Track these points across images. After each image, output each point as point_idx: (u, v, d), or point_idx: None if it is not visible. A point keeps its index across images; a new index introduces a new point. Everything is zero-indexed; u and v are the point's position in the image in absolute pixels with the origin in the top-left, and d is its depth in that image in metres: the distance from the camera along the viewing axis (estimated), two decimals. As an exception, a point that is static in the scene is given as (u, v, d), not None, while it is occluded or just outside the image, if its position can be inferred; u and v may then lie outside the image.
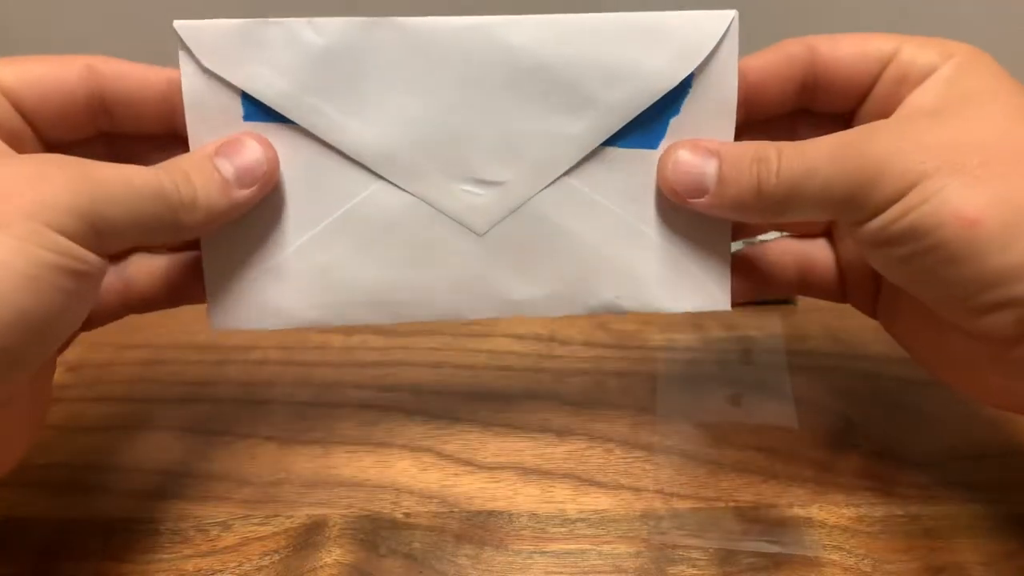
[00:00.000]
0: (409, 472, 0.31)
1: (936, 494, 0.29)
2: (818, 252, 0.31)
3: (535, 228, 0.28)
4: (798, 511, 0.29)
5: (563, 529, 0.28)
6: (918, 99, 0.25)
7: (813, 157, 0.24)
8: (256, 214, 0.27)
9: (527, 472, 0.31)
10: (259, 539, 0.28)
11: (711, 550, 0.27)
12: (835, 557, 0.27)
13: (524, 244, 0.28)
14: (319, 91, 0.26)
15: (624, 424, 0.33)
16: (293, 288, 0.28)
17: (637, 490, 0.30)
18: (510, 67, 0.26)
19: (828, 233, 0.31)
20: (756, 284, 0.30)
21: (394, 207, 0.28)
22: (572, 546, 0.28)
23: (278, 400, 0.34)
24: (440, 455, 0.32)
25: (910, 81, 0.26)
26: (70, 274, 0.21)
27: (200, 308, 0.28)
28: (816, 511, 0.29)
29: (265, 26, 0.26)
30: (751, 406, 0.34)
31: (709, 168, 0.26)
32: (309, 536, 0.28)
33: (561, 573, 0.27)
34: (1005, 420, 0.33)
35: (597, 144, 0.27)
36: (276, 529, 0.28)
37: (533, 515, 0.29)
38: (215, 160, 0.25)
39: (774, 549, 0.27)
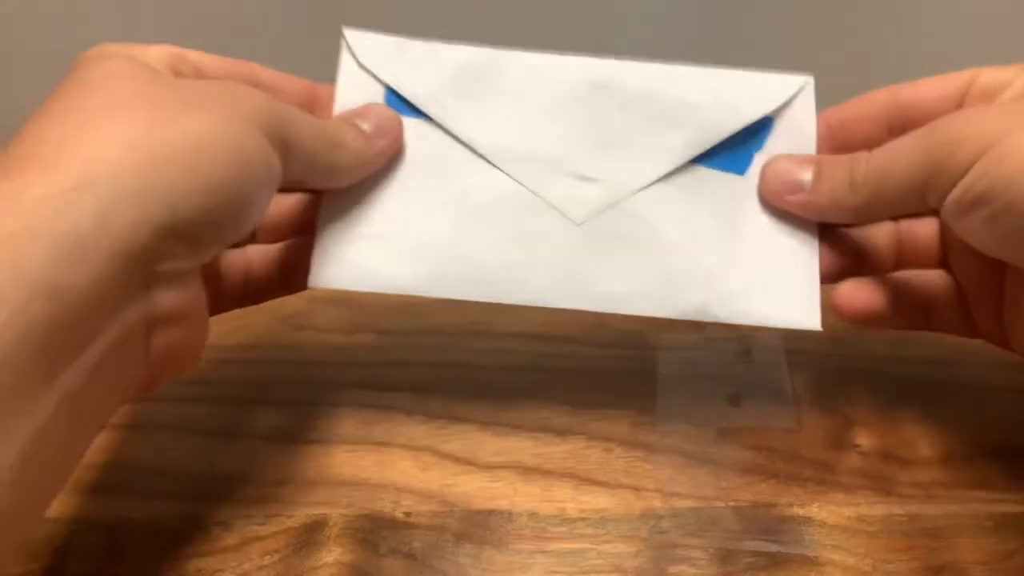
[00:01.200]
0: (409, 472, 0.31)
1: (936, 494, 0.29)
2: (938, 281, 0.31)
3: (630, 224, 0.30)
4: (797, 511, 0.29)
5: (563, 528, 0.28)
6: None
7: (898, 145, 0.27)
8: (374, 184, 0.30)
9: (527, 471, 0.31)
10: (259, 539, 0.28)
11: (711, 550, 0.28)
12: (835, 556, 0.27)
13: (619, 238, 0.30)
14: (450, 93, 0.31)
15: (624, 424, 0.33)
16: (395, 255, 0.30)
17: (637, 489, 0.30)
18: (615, 95, 0.30)
19: (944, 264, 0.31)
20: (891, 311, 0.30)
21: (501, 192, 0.30)
22: (572, 545, 0.28)
23: (278, 400, 0.34)
24: (440, 455, 0.32)
25: (992, 96, 0.27)
26: (263, 165, 0.24)
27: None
28: (816, 510, 0.29)
29: (414, 43, 0.31)
30: (751, 406, 0.34)
31: (806, 174, 0.29)
32: (309, 536, 0.28)
33: (561, 573, 0.27)
34: (1005, 420, 0.33)
35: (691, 156, 0.30)
36: (276, 529, 0.28)
37: (533, 514, 0.29)
38: (354, 120, 0.29)
39: (774, 548, 0.27)
